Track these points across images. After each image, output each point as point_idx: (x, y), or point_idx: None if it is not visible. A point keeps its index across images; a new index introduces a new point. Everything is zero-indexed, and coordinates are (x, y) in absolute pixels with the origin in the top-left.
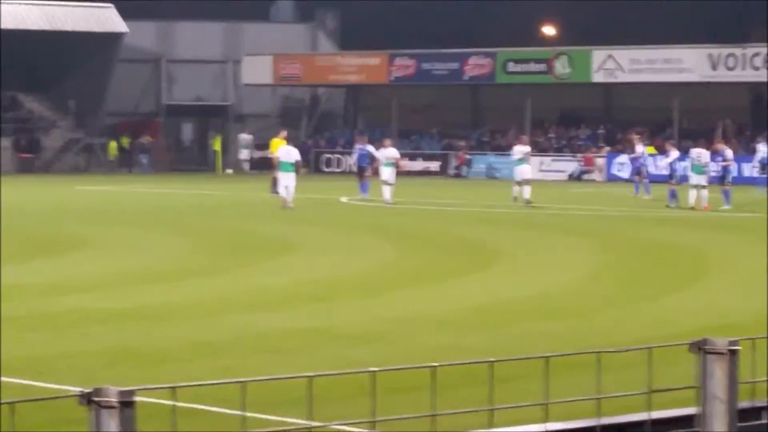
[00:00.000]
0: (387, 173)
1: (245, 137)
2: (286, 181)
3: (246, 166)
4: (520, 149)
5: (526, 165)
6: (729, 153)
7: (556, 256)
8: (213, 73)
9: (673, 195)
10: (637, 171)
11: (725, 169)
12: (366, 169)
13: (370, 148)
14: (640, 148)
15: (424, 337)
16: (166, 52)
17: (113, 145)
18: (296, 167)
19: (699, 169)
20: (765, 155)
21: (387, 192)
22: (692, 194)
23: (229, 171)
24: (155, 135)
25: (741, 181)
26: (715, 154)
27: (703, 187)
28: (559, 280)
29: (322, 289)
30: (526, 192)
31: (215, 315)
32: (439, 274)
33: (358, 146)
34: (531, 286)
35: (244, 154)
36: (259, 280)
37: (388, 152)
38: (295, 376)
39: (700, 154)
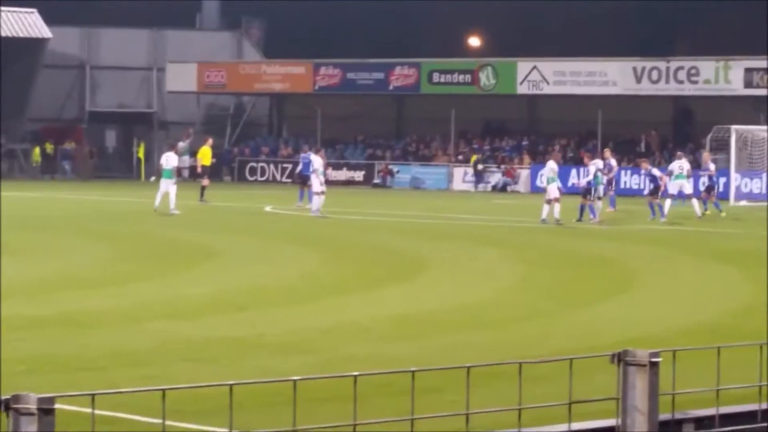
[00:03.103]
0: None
1: (183, 145)
2: (166, 187)
3: (185, 173)
4: (551, 167)
5: (555, 183)
6: (613, 162)
7: (479, 267)
8: (137, 80)
9: (591, 210)
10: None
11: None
12: (308, 178)
13: (312, 157)
14: (613, 162)
15: (347, 346)
16: (90, 58)
17: (36, 151)
18: (173, 173)
19: (599, 180)
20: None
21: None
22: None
23: (153, 178)
24: (78, 141)
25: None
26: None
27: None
28: (482, 291)
29: (244, 298)
30: (556, 210)
31: (137, 323)
32: (362, 283)
33: (302, 155)
34: (454, 297)
35: (182, 161)
36: (182, 288)
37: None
38: (215, 384)
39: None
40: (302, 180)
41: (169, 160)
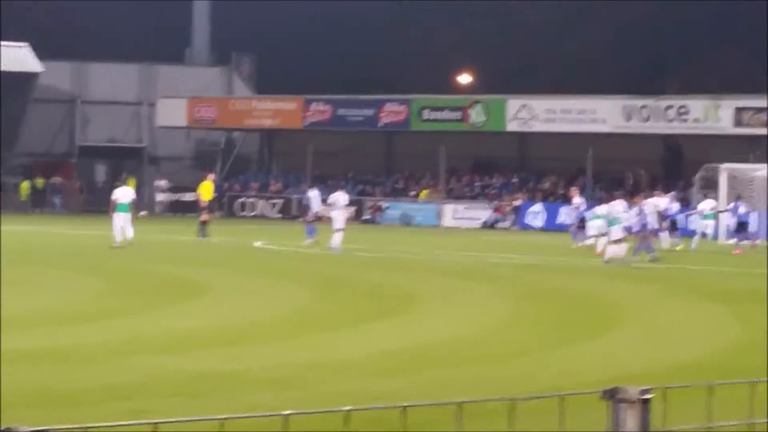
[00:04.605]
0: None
1: (160, 183)
2: (121, 221)
3: (158, 208)
4: (616, 208)
5: (619, 225)
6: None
7: (469, 302)
8: (127, 115)
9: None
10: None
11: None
12: (307, 211)
13: (338, 194)
14: (578, 200)
15: (337, 382)
16: (81, 92)
17: (25, 185)
18: (131, 207)
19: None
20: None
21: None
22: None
23: (143, 213)
24: (68, 176)
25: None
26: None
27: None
28: (471, 327)
29: (233, 333)
30: (620, 250)
31: (127, 357)
32: (352, 319)
33: (309, 191)
34: (444, 333)
35: (160, 197)
36: (171, 322)
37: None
38: (207, 418)
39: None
40: (315, 216)
41: (126, 194)
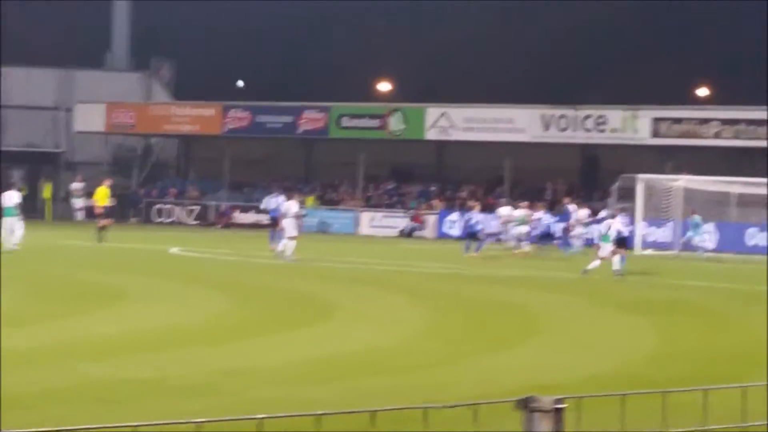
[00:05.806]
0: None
1: (77, 186)
2: (10, 225)
3: (80, 215)
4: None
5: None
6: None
7: (385, 312)
8: (45, 120)
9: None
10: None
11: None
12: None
13: (289, 203)
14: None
15: (255, 389)
16: None
17: None
18: (17, 210)
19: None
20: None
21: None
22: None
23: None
24: None
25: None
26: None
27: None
28: (387, 336)
29: (151, 340)
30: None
31: (42, 363)
32: (269, 326)
33: (271, 198)
34: (360, 341)
35: (77, 203)
36: (88, 328)
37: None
38: (119, 425)
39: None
40: (274, 222)
41: (12, 198)
